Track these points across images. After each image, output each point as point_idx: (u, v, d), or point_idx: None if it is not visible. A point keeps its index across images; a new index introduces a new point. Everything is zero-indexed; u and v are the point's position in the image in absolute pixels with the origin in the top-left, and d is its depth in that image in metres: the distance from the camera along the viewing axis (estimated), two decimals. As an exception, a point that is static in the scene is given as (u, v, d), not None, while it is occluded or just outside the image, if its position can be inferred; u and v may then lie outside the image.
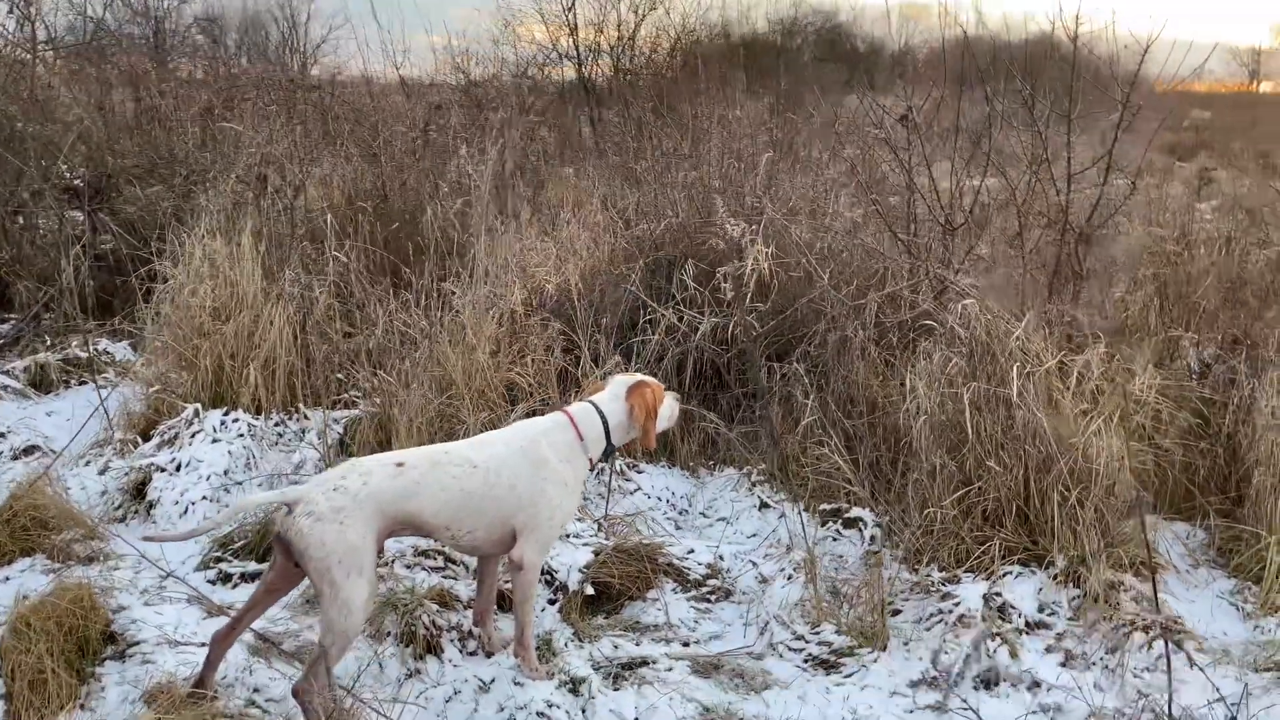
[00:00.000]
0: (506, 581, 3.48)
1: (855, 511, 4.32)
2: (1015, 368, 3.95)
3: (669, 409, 3.44)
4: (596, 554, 3.78)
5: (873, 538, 4.20)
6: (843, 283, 4.85)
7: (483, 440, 3.25)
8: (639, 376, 3.43)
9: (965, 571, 3.82)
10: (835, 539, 4.29)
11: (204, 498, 4.57)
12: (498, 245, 5.57)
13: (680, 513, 4.67)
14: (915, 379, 4.25)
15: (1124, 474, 4.02)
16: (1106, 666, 3.46)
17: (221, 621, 3.29)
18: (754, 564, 4.11)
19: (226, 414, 4.95)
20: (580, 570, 3.69)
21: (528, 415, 4.56)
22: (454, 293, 5.13)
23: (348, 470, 2.97)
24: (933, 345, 4.27)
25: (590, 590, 3.66)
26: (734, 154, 5.86)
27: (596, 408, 3.30)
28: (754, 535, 4.47)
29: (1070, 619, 3.65)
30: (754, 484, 4.74)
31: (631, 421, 3.31)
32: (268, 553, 3.99)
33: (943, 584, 3.78)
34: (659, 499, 4.69)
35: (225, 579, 3.95)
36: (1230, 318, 4.72)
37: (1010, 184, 4.88)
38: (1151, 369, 4.28)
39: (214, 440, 4.81)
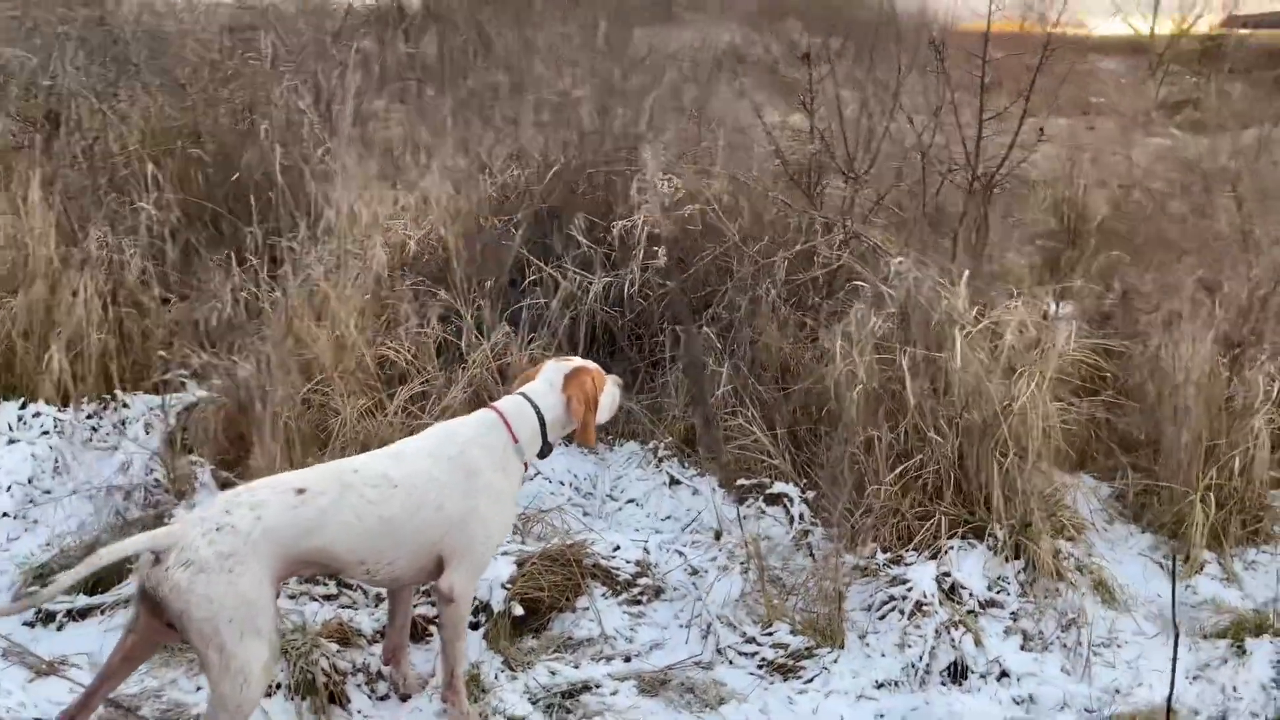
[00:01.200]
0: (424, 608, 2.94)
1: (779, 487, 4.00)
2: (956, 330, 3.71)
3: (610, 397, 2.97)
4: (520, 565, 3.27)
5: (800, 515, 3.89)
6: (750, 238, 4.45)
7: (401, 451, 2.66)
8: (576, 361, 2.92)
9: (909, 550, 3.58)
10: (759, 517, 3.96)
11: (5, 514, 3.72)
12: (345, 195, 4.83)
13: (585, 496, 4.21)
14: (833, 341, 3.96)
15: (1053, 436, 3.90)
16: (1064, 645, 3.32)
17: (55, 684, 2.60)
18: (680, 554, 3.72)
19: (24, 408, 4.06)
20: (504, 586, 3.17)
21: (412, 399, 3.96)
22: (292, 251, 4.37)
23: (233, 502, 2.33)
24: (857, 306, 3.97)
25: (519, 610, 3.16)
26: (617, 92, 5.31)
27: (530, 401, 2.78)
28: (669, 518, 4.09)
29: (1020, 595, 3.49)
30: (660, 459, 4.34)
31: (569, 415, 2.81)
32: (100, 582, 3.25)
33: (889, 566, 3.53)
34: (561, 483, 4.21)
35: (47, 619, 3.18)
36: (1139, 269, 4.69)
37: (915, 130, 4.62)
38: (1073, 323, 4.16)
39: (10, 442, 3.93)
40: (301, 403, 3.71)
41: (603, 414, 2.94)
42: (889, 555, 3.57)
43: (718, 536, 3.78)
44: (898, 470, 3.62)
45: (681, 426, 4.40)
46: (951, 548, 3.57)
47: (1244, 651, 3.21)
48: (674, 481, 4.26)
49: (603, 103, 5.57)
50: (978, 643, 3.21)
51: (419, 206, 5.18)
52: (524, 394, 2.81)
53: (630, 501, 4.18)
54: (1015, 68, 4.82)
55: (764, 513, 3.97)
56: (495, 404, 2.80)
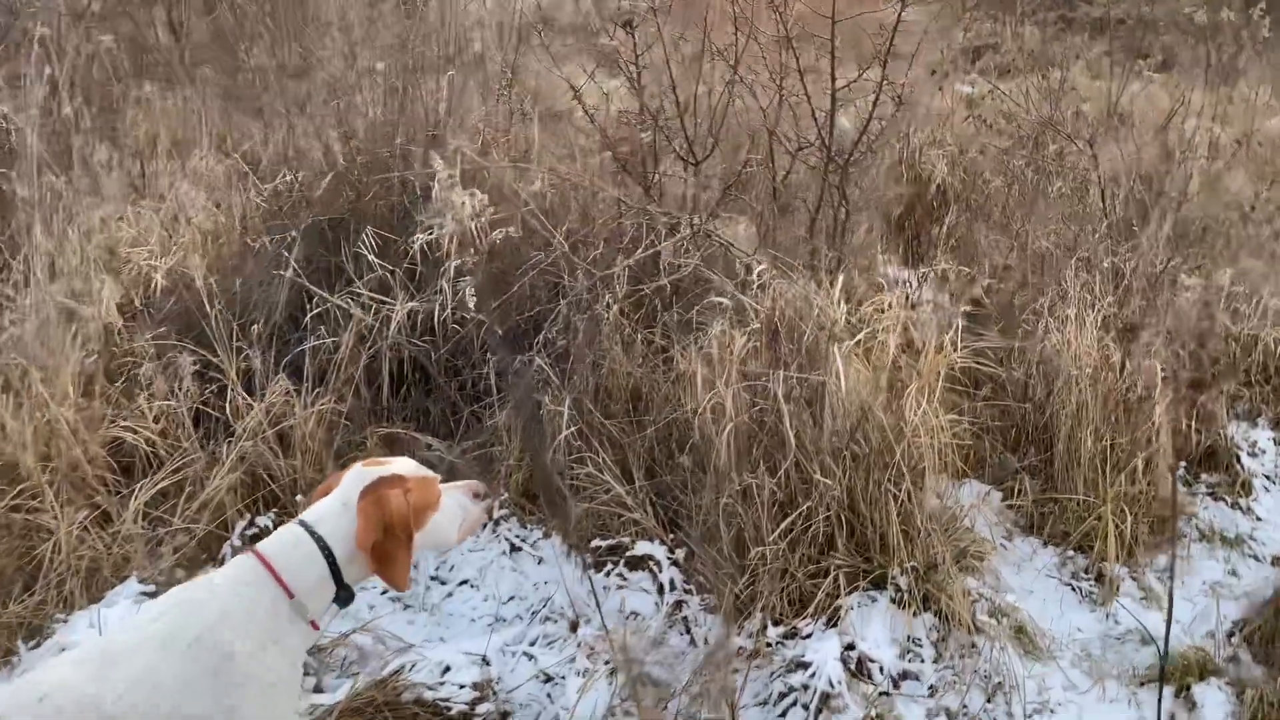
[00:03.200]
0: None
1: (642, 547, 3.31)
2: (834, 346, 3.10)
3: (452, 515, 2.10)
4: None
5: (671, 583, 3.22)
6: (581, 243, 3.71)
7: (111, 651, 1.79)
8: (394, 467, 2.04)
9: (805, 619, 2.97)
10: (622, 585, 3.27)
11: None
12: (62, 219, 3.79)
13: (405, 582, 3.39)
14: (690, 362, 3.30)
15: (946, 454, 3.38)
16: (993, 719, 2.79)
17: None
18: (530, 656, 2.98)
19: None
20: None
21: (159, 498, 3.03)
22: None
23: None
24: (717, 322, 3.31)
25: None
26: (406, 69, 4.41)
27: (309, 530, 1.96)
28: (512, 598, 3.34)
29: (935, 659, 2.94)
30: (496, 521, 3.57)
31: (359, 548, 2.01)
32: None
33: (783, 643, 2.92)
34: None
35: None
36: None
37: (759, 104, 3.98)
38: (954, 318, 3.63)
39: None
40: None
41: (441, 536, 2.09)
42: (781, 628, 2.96)
43: (574, 628, 3.06)
44: (783, 524, 2.99)
45: (518, 478, 3.64)
46: (852, 607, 2.99)
47: (1194, 704, 2.76)
48: (515, 549, 3.51)
49: (394, 83, 4.67)
50: (902, 742, 2.63)
51: (168, 226, 4.17)
52: (302, 522, 1.97)
53: (464, 583, 3.40)
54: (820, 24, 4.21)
55: (625, 581, 3.27)
56: (258, 546, 1.97)
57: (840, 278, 3.45)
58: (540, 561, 3.42)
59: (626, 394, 3.60)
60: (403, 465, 2.05)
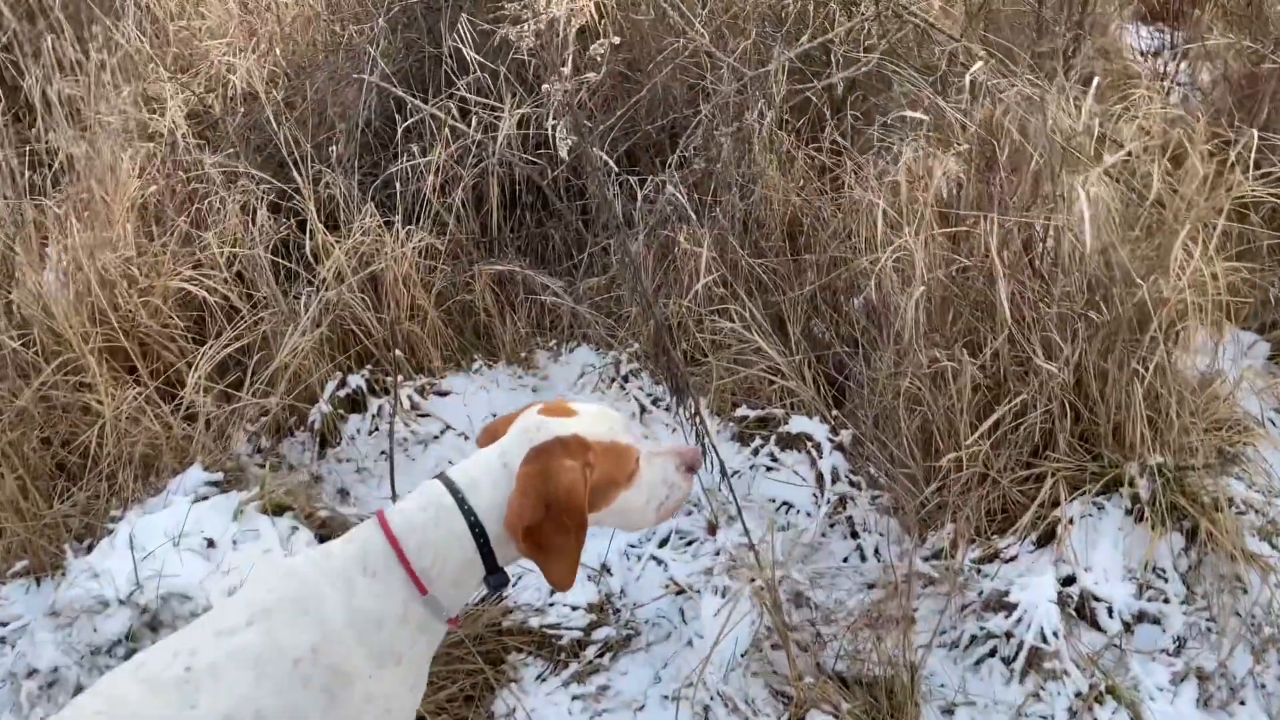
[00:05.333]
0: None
1: (798, 423, 2.68)
2: (1072, 173, 2.24)
3: (651, 491, 1.53)
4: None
5: (834, 471, 2.60)
6: (726, 28, 2.86)
7: (197, 670, 1.35)
8: (580, 421, 1.47)
9: (1009, 536, 2.32)
10: (771, 468, 2.69)
11: None
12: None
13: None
14: (869, 190, 2.51)
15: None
16: (1263, 687, 2.11)
17: None
18: (658, 561, 2.48)
19: None
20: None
21: (229, 362, 2.60)
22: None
23: None
24: (908, 138, 2.47)
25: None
26: None
27: (457, 498, 1.42)
28: (642, 476, 2.81)
29: (1185, 598, 2.24)
30: (625, 377, 3.01)
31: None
32: None
33: (979, 568, 2.29)
34: (465, 437, 2.92)
35: None
36: None
37: None
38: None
39: None
40: (17, 416, 2.34)
41: (632, 518, 1.56)
42: (978, 548, 2.32)
43: (712, 530, 2.52)
44: (987, 421, 2.27)
45: (653, 324, 3.03)
46: (1072, 520, 2.30)
47: None
48: (644, 410, 2.96)
49: None
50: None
51: (245, 19, 3.54)
52: (448, 482, 1.45)
53: (584, 451, 2.89)
54: None
55: (777, 463, 2.69)
56: (388, 517, 1.44)
57: (1079, 69, 2.52)
58: (674, 430, 2.86)
59: (782, 228, 2.86)
60: (592, 420, 1.49)
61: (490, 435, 1.53)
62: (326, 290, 2.73)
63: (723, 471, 2.40)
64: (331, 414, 2.74)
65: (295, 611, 1.38)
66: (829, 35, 2.65)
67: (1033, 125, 2.32)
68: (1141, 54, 3.70)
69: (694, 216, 2.79)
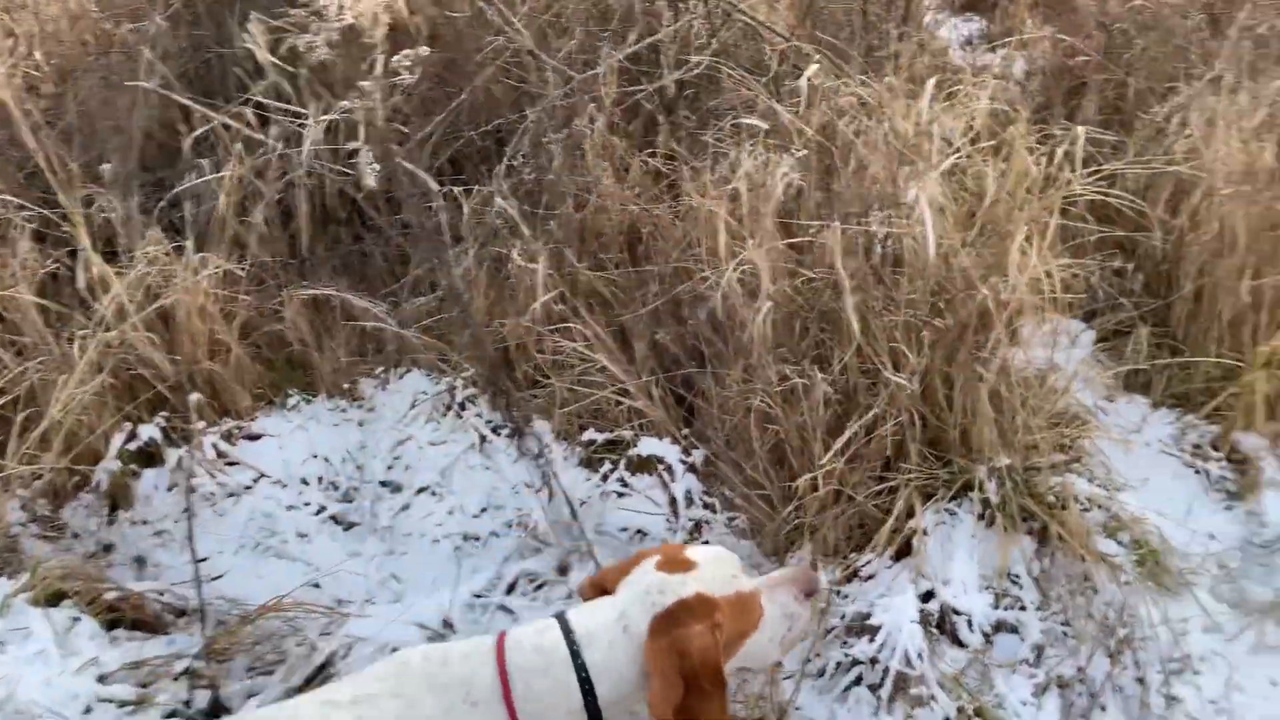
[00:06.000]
0: None
1: (648, 445, 2.55)
2: (911, 176, 2.18)
3: (774, 630, 1.48)
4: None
5: (688, 496, 2.48)
6: (549, 28, 2.67)
7: (304, 714, 1.36)
8: (700, 571, 1.42)
9: (861, 552, 2.25)
10: (622, 494, 2.54)
11: None
12: None
13: (346, 494, 2.67)
14: (705, 196, 2.39)
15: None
16: (1120, 691, 2.12)
17: None
18: (507, 611, 2.29)
19: None
20: None
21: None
22: None
23: None
24: (745, 145, 2.35)
25: None
26: None
27: (571, 644, 1.37)
28: (485, 510, 2.62)
29: (1040, 604, 2.23)
30: (461, 405, 2.79)
31: (642, 692, 1.37)
32: None
33: (840, 589, 2.21)
34: (304, 481, 2.64)
35: None
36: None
37: None
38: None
39: None
40: None
41: (758, 659, 1.52)
42: (837, 569, 2.24)
43: (564, 571, 2.34)
44: (840, 439, 2.19)
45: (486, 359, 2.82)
46: (927, 532, 2.25)
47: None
48: (483, 440, 2.75)
49: None
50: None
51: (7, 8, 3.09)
52: (565, 624, 1.40)
53: (422, 491, 2.66)
54: None
55: (628, 489, 2.54)
56: (507, 643, 1.38)
57: (906, 66, 2.47)
58: (516, 460, 2.67)
59: (622, 238, 2.71)
60: (713, 570, 1.43)
61: (597, 588, 1.47)
62: (106, 330, 2.38)
63: (572, 512, 2.23)
64: (121, 471, 2.40)
65: (394, 708, 1.33)
66: (657, 35, 2.50)
67: (870, 128, 2.25)
68: (961, 46, 3.74)
69: (527, 230, 2.59)
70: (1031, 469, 2.35)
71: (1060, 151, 2.49)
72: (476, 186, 2.79)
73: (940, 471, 2.34)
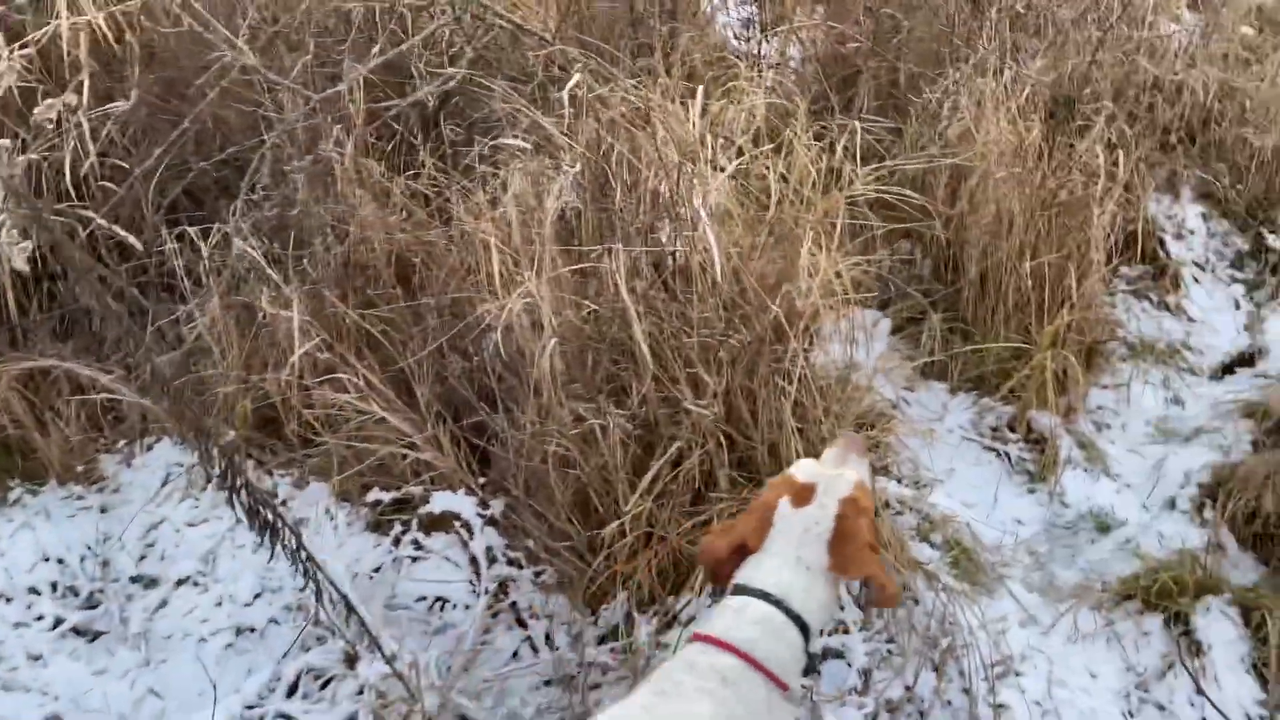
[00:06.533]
0: None
1: (441, 500, 2.30)
2: (691, 190, 2.02)
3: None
4: None
5: (490, 553, 2.25)
6: (276, 40, 2.35)
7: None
8: (825, 488, 1.57)
9: (678, 595, 2.11)
10: (417, 558, 2.29)
11: None
12: None
13: (90, 597, 2.28)
14: (478, 217, 2.17)
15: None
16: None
17: None
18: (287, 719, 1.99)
19: None
20: None
21: None
22: None
23: None
24: (515, 163, 2.13)
25: None
26: None
27: (784, 609, 1.47)
28: (259, 596, 2.30)
29: (861, 625, 2.15)
30: (225, 474, 2.44)
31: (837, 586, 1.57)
32: None
33: (659, 640, 2.05)
34: (27, 591, 2.24)
35: None
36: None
37: None
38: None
39: None
40: None
41: None
42: (655, 617, 2.08)
43: (351, 662, 2.07)
44: (647, 476, 2.03)
45: (245, 406, 2.47)
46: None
47: (1199, 648, 2.11)
48: (254, 511, 2.41)
49: None
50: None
51: None
52: (766, 596, 1.47)
53: (183, 582, 2.32)
54: None
55: (422, 552, 2.29)
56: (733, 640, 1.43)
57: (678, 64, 2.33)
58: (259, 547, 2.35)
59: (391, 271, 2.44)
60: (828, 480, 1.58)
61: (736, 549, 1.54)
62: None
63: (348, 606, 1.96)
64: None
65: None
66: (406, 44, 2.24)
67: (644, 139, 2.08)
68: (735, 36, 3.64)
69: (275, 273, 2.28)
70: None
71: (840, 146, 2.41)
72: (217, 225, 2.43)
73: (753, 494, 2.22)
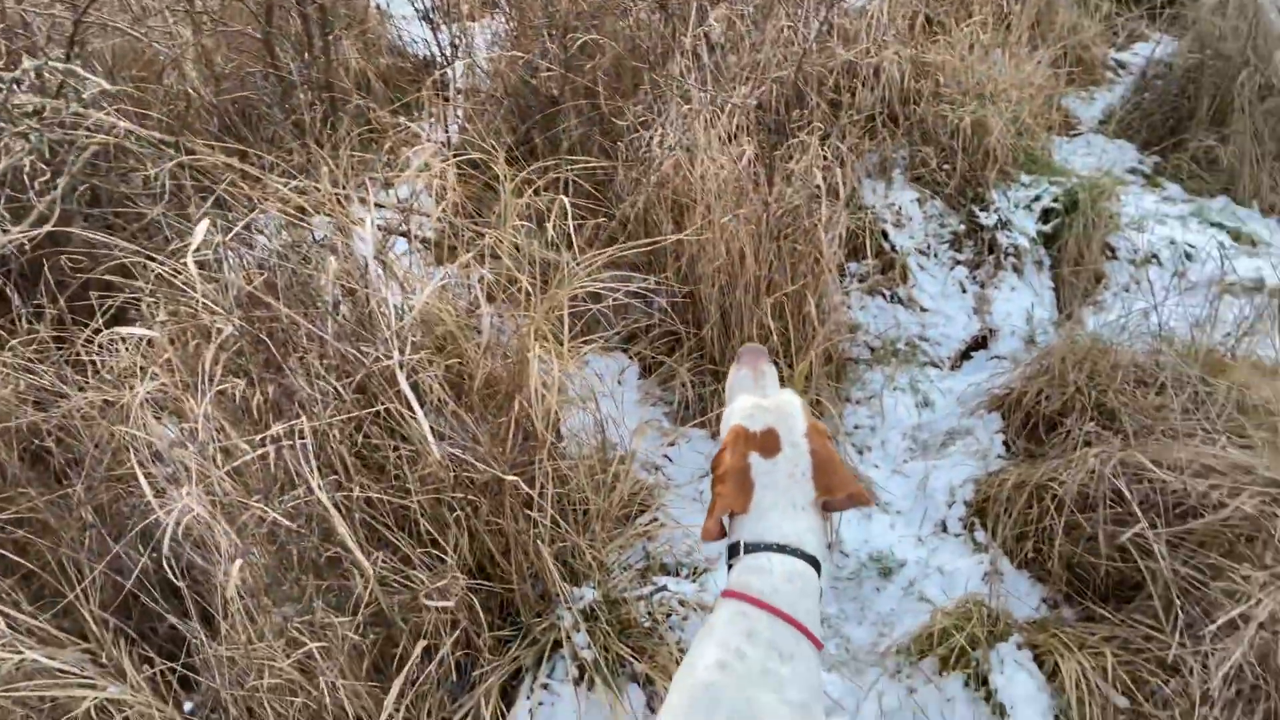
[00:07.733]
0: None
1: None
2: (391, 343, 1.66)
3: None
4: None
5: None
6: None
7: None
8: (785, 426, 1.57)
9: None
10: None
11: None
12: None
13: None
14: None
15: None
16: None
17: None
18: None
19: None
20: None
21: None
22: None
23: None
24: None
25: None
26: None
27: (800, 555, 1.49)
28: None
29: None
30: None
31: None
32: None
33: None
34: None
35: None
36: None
37: None
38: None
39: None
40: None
41: None
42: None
43: None
44: (394, 688, 1.67)
45: None
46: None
47: (1003, 710, 2.04)
48: None
49: None
50: None
51: None
52: (783, 548, 1.49)
53: None
54: None
55: None
56: (769, 601, 1.45)
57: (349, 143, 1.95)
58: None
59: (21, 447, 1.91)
60: (778, 416, 1.59)
61: (735, 466, 1.54)
62: None
63: None
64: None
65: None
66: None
67: (314, 269, 1.68)
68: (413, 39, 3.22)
69: None
70: (614, 602, 2.03)
71: (550, 227, 2.12)
72: None
73: (523, 651, 1.94)
